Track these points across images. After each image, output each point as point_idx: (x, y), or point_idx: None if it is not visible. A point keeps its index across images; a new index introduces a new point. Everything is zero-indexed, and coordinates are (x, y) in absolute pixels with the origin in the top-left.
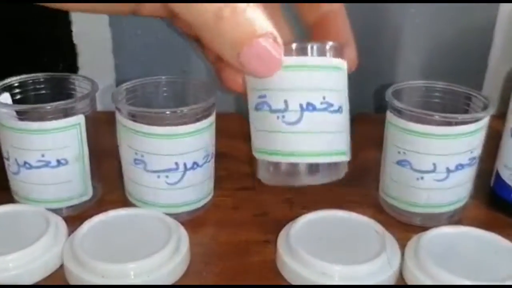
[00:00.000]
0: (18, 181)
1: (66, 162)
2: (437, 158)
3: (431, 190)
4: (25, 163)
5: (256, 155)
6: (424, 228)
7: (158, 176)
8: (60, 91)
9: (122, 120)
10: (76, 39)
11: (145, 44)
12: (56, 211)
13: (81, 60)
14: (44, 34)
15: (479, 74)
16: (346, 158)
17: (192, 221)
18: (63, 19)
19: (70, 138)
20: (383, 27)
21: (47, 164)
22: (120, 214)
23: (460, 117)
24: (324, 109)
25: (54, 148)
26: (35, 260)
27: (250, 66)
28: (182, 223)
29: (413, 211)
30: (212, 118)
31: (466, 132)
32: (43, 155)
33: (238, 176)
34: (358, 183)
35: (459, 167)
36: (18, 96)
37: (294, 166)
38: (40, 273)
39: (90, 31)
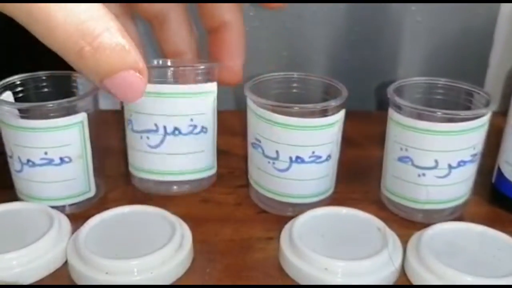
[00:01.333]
0: (22, 179)
1: (70, 160)
2: (439, 155)
3: (433, 187)
4: (28, 161)
5: (251, 182)
6: (426, 225)
7: (141, 137)
8: (62, 89)
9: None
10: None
11: (146, 43)
12: (59, 208)
13: None
14: None
15: (481, 71)
16: (330, 192)
17: (195, 218)
18: None
19: (73, 136)
20: (384, 24)
21: (50, 162)
22: (123, 212)
23: (462, 113)
24: (312, 161)
25: (57, 146)
26: (39, 258)
27: (112, 93)
28: (184, 218)
29: (415, 208)
30: (213, 86)
31: (468, 129)
32: (46, 153)
33: (240, 173)
34: (360, 180)
35: (461, 163)
36: (20, 95)
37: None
38: (44, 270)
39: None
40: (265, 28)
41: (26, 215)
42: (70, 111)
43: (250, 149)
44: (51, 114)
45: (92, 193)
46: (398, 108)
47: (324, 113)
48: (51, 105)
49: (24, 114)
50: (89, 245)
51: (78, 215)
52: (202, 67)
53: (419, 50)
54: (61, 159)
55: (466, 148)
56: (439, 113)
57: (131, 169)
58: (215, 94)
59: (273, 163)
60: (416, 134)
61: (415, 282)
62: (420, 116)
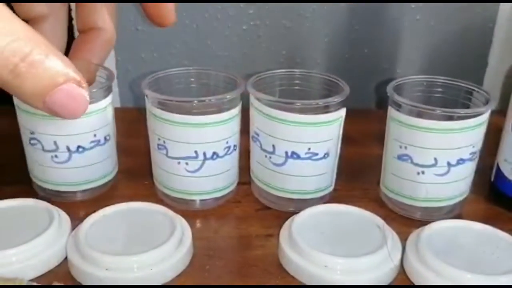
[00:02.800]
0: (68, 168)
1: (110, 138)
2: (438, 153)
3: (432, 185)
4: (79, 147)
5: (252, 176)
6: (424, 222)
7: (179, 163)
8: None
9: (150, 108)
10: (77, 34)
11: (146, 40)
12: (94, 190)
13: None
14: None
15: (480, 71)
16: (329, 190)
17: (195, 215)
18: None
19: (110, 115)
20: (384, 23)
21: (98, 143)
22: (123, 208)
23: (462, 111)
24: (308, 158)
25: (102, 126)
26: (39, 254)
27: (56, 113)
28: (184, 215)
29: (414, 205)
30: (237, 109)
31: (467, 127)
32: (95, 135)
33: (241, 170)
34: (360, 178)
35: (460, 161)
36: None
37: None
38: (43, 266)
39: None
40: (265, 26)
41: (26, 212)
42: (107, 93)
43: (251, 143)
44: (91, 100)
45: (116, 170)
46: (398, 106)
47: (325, 109)
48: (94, 89)
49: None
50: (89, 241)
51: (78, 211)
52: (228, 96)
53: (419, 48)
54: (105, 138)
55: (466, 146)
56: (438, 111)
57: (158, 185)
58: (239, 116)
59: (270, 157)
60: (416, 132)
61: (414, 279)
62: (419, 114)
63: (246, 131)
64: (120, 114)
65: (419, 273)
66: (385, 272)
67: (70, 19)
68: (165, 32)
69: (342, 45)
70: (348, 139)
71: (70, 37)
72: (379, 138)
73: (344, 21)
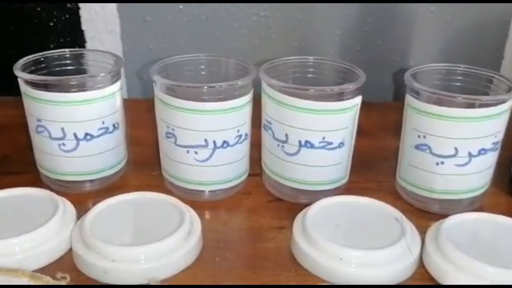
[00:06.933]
0: (76, 157)
1: (118, 126)
2: (459, 142)
3: (451, 176)
4: (86, 134)
5: (263, 167)
6: (442, 216)
7: (188, 151)
8: (79, 66)
9: (159, 94)
10: (84, 25)
11: (154, 31)
12: (103, 180)
13: (90, 46)
14: (52, 21)
15: (495, 63)
16: (344, 181)
17: (205, 207)
18: (72, 6)
19: (118, 102)
20: (397, 15)
21: (106, 130)
22: (130, 198)
23: (484, 98)
24: (322, 147)
25: (110, 113)
26: (42, 244)
27: None
28: (193, 206)
29: (432, 198)
30: (249, 96)
31: (490, 115)
32: (103, 122)
33: (251, 162)
34: (374, 170)
35: (482, 151)
36: (45, 71)
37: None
38: (47, 257)
39: (98, 18)
40: (276, 18)
41: (30, 201)
42: (115, 79)
43: (263, 132)
44: (98, 85)
45: (125, 160)
46: (416, 94)
47: (340, 96)
48: (102, 74)
49: (80, 87)
50: (94, 231)
51: (84, 201)
52: (240, 83)
53: (432, 41)
54: (113, 125)
55: (488, 136)
56: (459, 98)
57: (166, 175)
58: (251, 103)
59: (282, 146)
60: (435, 120)
61: (434, 273)
62: (439, 102)
63: (256, 122)
64: (127, 105)
65: (439, 267)
66: (403, 265)
67: (78, 17)
68: (173, 23)
69: (355, 37)
70: (361, 131)
71: (78, 36)
72: (393, 130)
73: (357, 13)
